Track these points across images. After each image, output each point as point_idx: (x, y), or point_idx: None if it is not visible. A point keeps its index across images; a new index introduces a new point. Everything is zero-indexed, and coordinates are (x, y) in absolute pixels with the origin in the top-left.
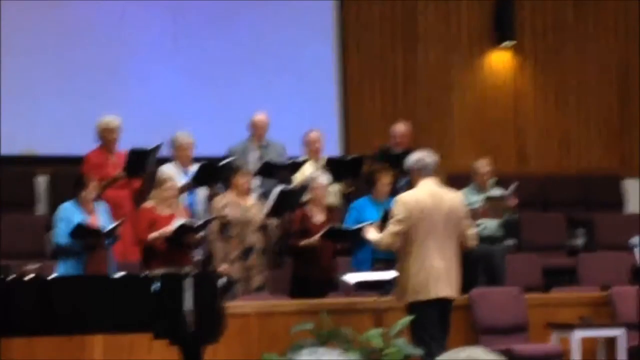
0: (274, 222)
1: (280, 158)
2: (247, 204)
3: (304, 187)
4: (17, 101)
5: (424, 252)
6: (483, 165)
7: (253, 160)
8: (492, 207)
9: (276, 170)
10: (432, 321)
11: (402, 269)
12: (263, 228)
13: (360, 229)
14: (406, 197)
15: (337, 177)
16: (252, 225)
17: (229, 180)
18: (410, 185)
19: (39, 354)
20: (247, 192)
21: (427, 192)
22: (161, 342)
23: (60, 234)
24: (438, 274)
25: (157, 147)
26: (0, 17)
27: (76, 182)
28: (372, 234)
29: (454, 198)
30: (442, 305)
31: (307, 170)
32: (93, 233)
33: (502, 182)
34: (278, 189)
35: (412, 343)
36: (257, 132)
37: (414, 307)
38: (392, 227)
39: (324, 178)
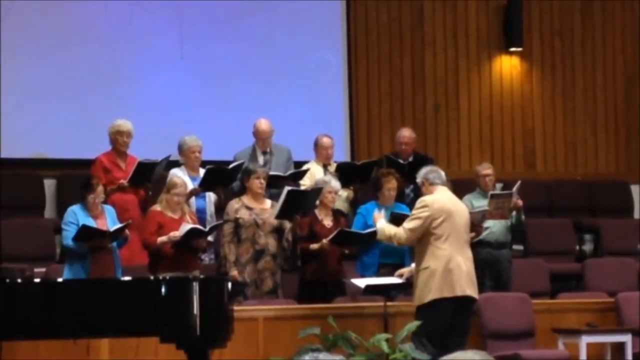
0: (288, 225)
1: (285, 163)
2: (261, 207)
3: (316, 190)
4: (25, 104)
5: (449, 251)
6: (484, 167)
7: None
8: (497, 205)
9: (279, 181)
10: (444, 321)
11: (425, 268)
12: (277, 231)
13: (368, 234)
14: (429, 198)
15: (346, 182)
16: (265, 228)
17: (244, 184)
18: (417, 193)
19: (44, 357)
20: (261, 195)
21: (447, 196)
22: (168, 345)
23: (69, 237)
24: (462, 273)
25: (165, 159)
26: (7, 20)
27: (83, 185)
28: (381, 221)
29: (466, 208)
30: (464, 304)
31: (317, 174)
32: (98, 234)
33: (509, 188)
34: (286, 189)
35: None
36: (261, 140)
37: (434, 304)
38: (411, 223)
39: (335, 183)
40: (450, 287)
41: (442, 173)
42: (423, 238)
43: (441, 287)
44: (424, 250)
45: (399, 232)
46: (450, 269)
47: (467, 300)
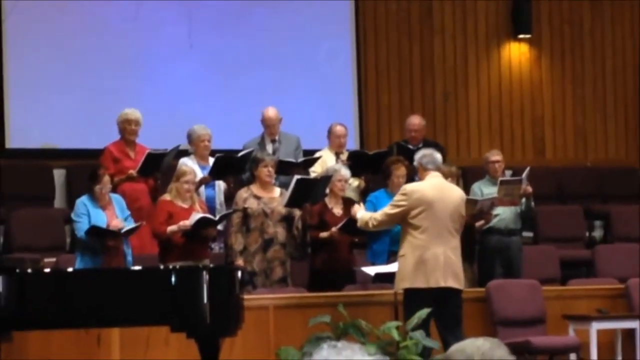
0: (297, 213)
1: (294, 151)
2: (270, 196)
3: (326, 179)
4: (34, 95)
5: (425, 242)
6: (493, 154)
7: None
8: (507, 192)
9: (290, 168)
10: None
11: (402, 255)
12: (286, 220)
13: None
14: (410, 187)
15: (357, 171)
16: (274, 217)
17: (252, 173)
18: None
19: (56, 348)
20: (270, 183)
21: (432, 185)
22: (178, 335)
23: (82, 229)
24: (439, 264)
25: (175, 150)
26: (16, 12)
27: (90, 176)
28: (360, 212)
29: (460, 195)
30: (446, 296)
31: (329, 162)
32: (109, 234)
33: (518, 175)
34: (295, 177)
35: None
36: (268, 127)
37: (410, 294)
38: (386, 209)
39: (345, 171)
40: (424, 278)
41: (437, 157)
42: (403, 226)
43: (414, 277)
44: (403, 238)
45: (376, 214)
46: (425, 260)
47: (447, 291)
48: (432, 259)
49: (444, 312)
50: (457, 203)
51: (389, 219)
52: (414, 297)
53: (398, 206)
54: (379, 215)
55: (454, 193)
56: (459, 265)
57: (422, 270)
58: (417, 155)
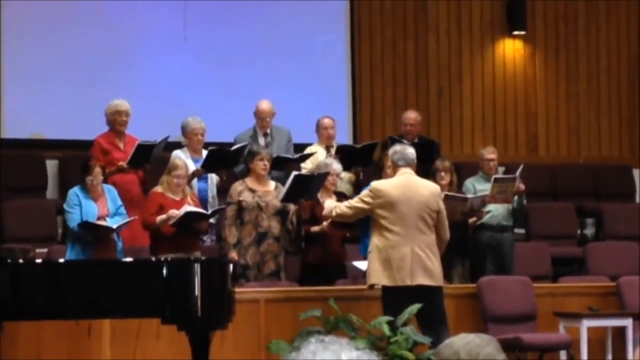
0: (292, 207)
1: (286, 144)
2: (265, 189)
3: (322, 175)
4: (28, 86)
5: (391, 241)
6: (489, 151)
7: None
8: (500, 189)
9: (283, 163)
10: (399, 308)
11: (370, 251)
12: (280, 213)
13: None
14: (376, 186)
15: (348, 165)
16: (268, 211)
17: (247, 166)
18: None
19: (47, 339)
20: (265, 176)
21: (399, 184)
22: (169, 327)
23: (74, 219)
24: (405, 263)
25: (164, 141)
26: (10, 1)
27: (82, 167)
28: (328, 201)
29: (430, 190)
30: (421, 294)
31: (320, 157)
32: (101, 228)
33: (511, 171)
34: (294, 173)
35: None
36: (261, 120)
37: (385, 291)
38: (353, 201)
39: (337, 166)
40: (391, 277)
41: (409, 152)
42: (372, 223)
43: (380, 274)
44: (373, 233)
45: (341, 204)
46: (390, 260)
47: (420, 290)
48: (398, 259)
49: (423, 311)
50: (425, 199)
51: (353, 212)
52: (388, 294)
53: (363, 202)
54: (344, 205)
55: (423, 190)
56: (432, 261)
57: (388, 270)
58: (390, 151)
